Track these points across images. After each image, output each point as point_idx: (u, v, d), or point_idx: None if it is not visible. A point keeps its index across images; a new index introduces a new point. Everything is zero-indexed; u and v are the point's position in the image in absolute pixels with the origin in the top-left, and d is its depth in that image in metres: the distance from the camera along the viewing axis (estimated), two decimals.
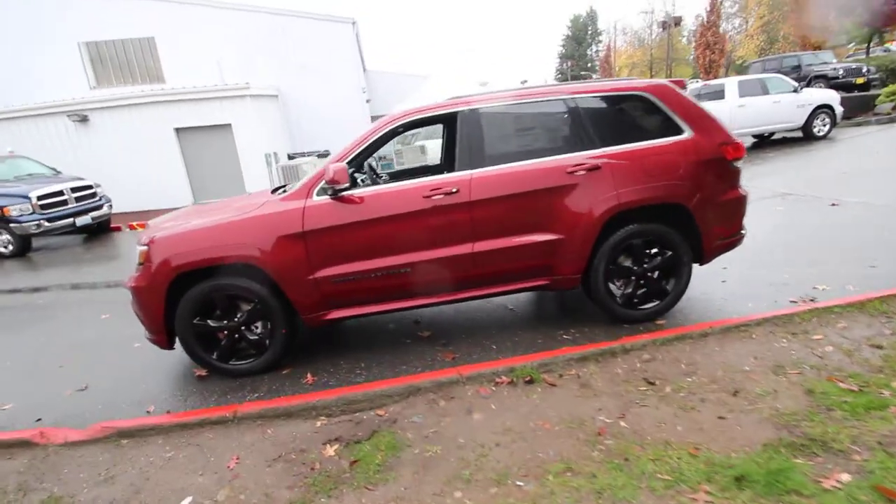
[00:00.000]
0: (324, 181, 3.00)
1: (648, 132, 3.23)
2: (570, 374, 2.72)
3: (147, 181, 13.00)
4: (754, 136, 12.53)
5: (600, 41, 57.12)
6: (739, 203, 3.37)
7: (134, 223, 10.72)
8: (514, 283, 3.26)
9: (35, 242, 9.46)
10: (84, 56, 15.48)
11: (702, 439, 2.09)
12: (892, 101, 13.68)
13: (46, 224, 8.87)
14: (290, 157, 14.17)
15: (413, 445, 2.27)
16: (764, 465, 1.85)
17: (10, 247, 8.85)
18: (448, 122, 3.69)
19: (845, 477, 1.78)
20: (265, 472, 2.20)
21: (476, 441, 2.25)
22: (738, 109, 11.33)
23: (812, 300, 3.47)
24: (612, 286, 3.33)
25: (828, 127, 12.07)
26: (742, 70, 30.33)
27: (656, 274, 3.33)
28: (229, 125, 13.14)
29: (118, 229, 10.70)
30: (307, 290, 3.07)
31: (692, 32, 44.38)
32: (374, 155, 3.53)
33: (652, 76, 39.00)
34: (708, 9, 29.45)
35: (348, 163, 3.10)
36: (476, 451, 2.18)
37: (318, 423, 2.52)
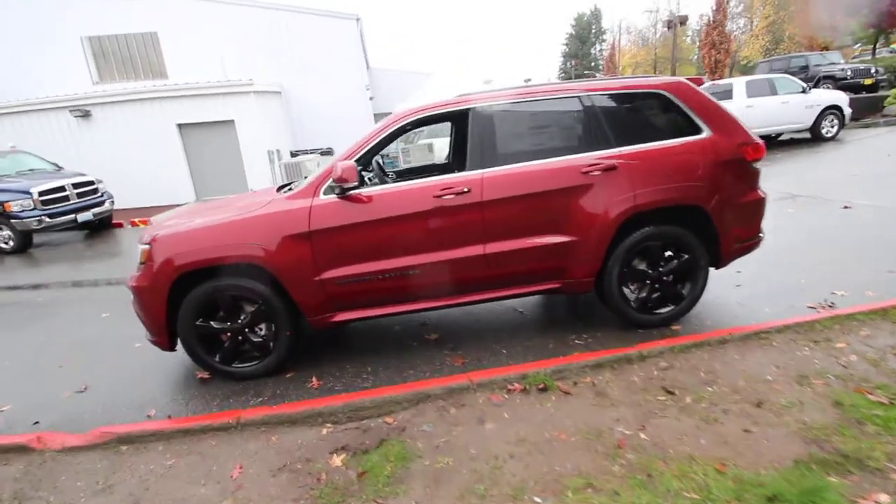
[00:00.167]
0: (331, 179, 2.90)
1: (666, 131, 3.13)
2: (585, 382, 2.62)
3: (149, 177, 12.92)
4: (761, 137, 12.40)
5: (604, 40, 56.88)
6: (759, 205, 3.27)
7: (136, 219, 10.64)
8: (525, 286, 3.17)
9: (36, 238, 9.39)
10: (87, 51, 15.39)
11: (728, 454, 1.99)
12: None
13: (47, 220, 8.79)
14: (293, 155, 14.11)
15: (423, 456, 2.18)
16: (796, 483, 1.75)
17: (11, 243, 8.78)
18: (458, 119, 3.58)
19: (884, 498, 1.68)
20: (269, 483, 2.11)
21: (489, 452, 2.16)
22: (746, 110, 11.20)
23: (831, 306, 3.37)
24: (626, 290, 3.24)
25: (836, 128, 11.95)
26: (747, 70, 30.16)
27: (671, 277, 3.24)
28: (232, 121, 13.05)
29: (120, 226, 10.63)
30: (313, 292, 2.98)
31: (696, 32, 44.18)
32: (378, 153, 3.43)
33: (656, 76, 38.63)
34: (714, 8, 29.24)
35: (356, 161, 3.00)
36: (490, 464, 2.09)
37: (325, 431, 2.43)
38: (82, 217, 9.32)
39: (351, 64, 15.72)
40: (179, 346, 3.11)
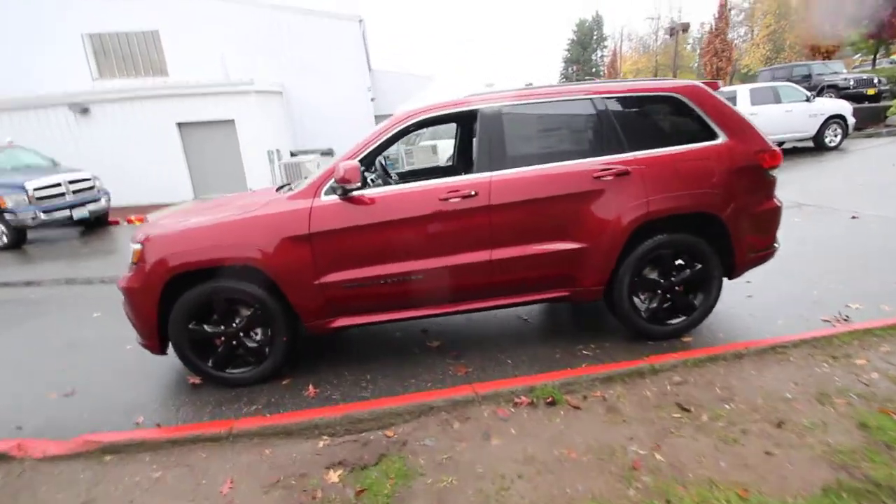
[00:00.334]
0: (333, 180, 2.79)
1: (680, 136, 3.03)
2: (596, 396, 2.51)
3: (147, 175, 12.79)
4: None
5: (605, 46, 56.98)
6: (775, 214, 3.17)
7: (132, 217, 10.50)
8: (532, 293, 3.06)
9: (30, 234, 9.23)
10: (87, 48, 15.27)
11: (750, 478, 1.88)
12: None
13: (42, 216, 8.64)
14: (293, 155, 14.00)
15: (426, 474, 2.05)
16: None
17: (5, 238, 8.63)
18: (465, 120, 3.49)
19: None
20: (262, 501, 1.99)
21: (496, 471, 2.04)
22: (750, 117, 11.12)
23: (846, 320, 3.27)
24: (636, 300, 3.12)
25: (839, 137, 11.91)
26: (747, 79, 30.16)
27: (683, 287, 3.12)
28: (232, 121, 12.94)
29: (116, 223, 10.48)
30: (312, 296, 2.86)
31: (697, 40, 44.30)
32: (382, 154, 3.32)
33: None
34: (716, 15, 29.30)
35: (359, 161, 2.89)
36: (496, 483, 1.97)
37: (321, 444, 2.31)
38: (78, 214, 9.18)
39: (352, 65, 15.64)
40: (171, 349, 2.98)
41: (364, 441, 2.31)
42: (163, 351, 2.99)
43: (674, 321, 3.17)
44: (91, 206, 9.50)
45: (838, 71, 17.56)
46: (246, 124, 12.95)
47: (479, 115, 2.96)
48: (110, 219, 10.42)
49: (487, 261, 2.90)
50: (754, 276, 3.96)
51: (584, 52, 57.08)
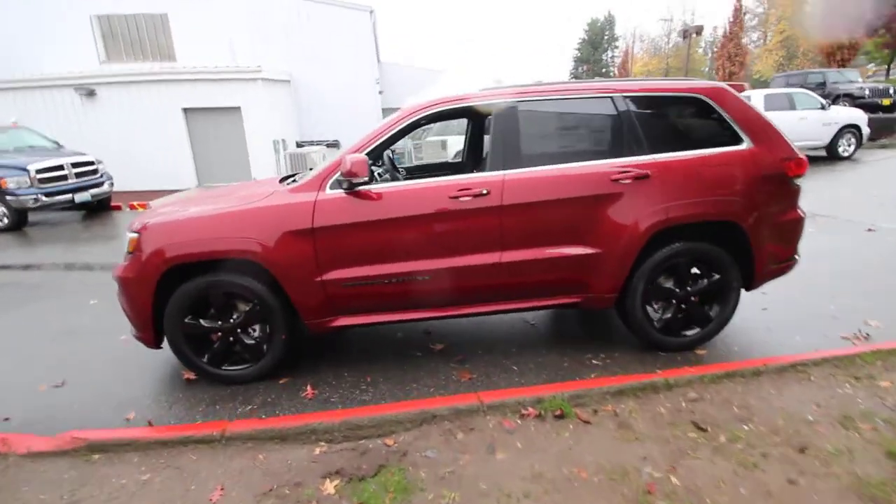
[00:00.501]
0: (339, 173, 2.67)
1: (703, 140, 2.89)
2: (607, 411, 2.39)
3: (152, 161, 12.68)
4: None
5: (616, 46, 56.51)
6: (797, 225, 3.04)
7: (135, 203, 10.42)
8: (542, 299, 2.94)
9: (31, 217, 9.16)
10: (96, 29, 15.13)
11: None
12: None
13: (44, 199, 8.55)
14: (299, 145, 13.87)
15: (427, 489, 1.94)
16: None
17: (6, 220, 8.55)
18: (477, 115, 3.35)
19: None
20: None
21: (501, 489, 1.93)
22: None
23: (866, 337, 3.15)
24: (649, 309, 3.00)
25: (853, 147, 11.71)
26: (758, 85, 29.80)
27: (698, 298, 3.00)
28: (238, 108, 12.80)
29: (118, 208, 10.39)
30: (313, 294, 2.75)
31: (709, 44, 43.84)
32: (390, 147, 3.19)
33: None
34: (731, 19, 28.94)
35: (366, 154, 2.76)
36: (501, 503, 1.86)
37: (318, 451, 2.20)
38: (80, 197, 9.08)
39: (362, 56, 15.47)
40: (166, 343, 2.88)
41: (363, 449, 2.20)
42: (157, 345, 2.89)
43: (688, 332, 3.04)
44: (93, 191, 9.41)
45: (854, 79, 17.27)
46: (252, 112, 12.82)
47: (494, 109, 2.83)
48: (113, 203, 10.33)
49: (497, 263, 2.78)
50: (769, 288, 3.80)
51: (594, 51, 56.65)
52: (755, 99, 11.57)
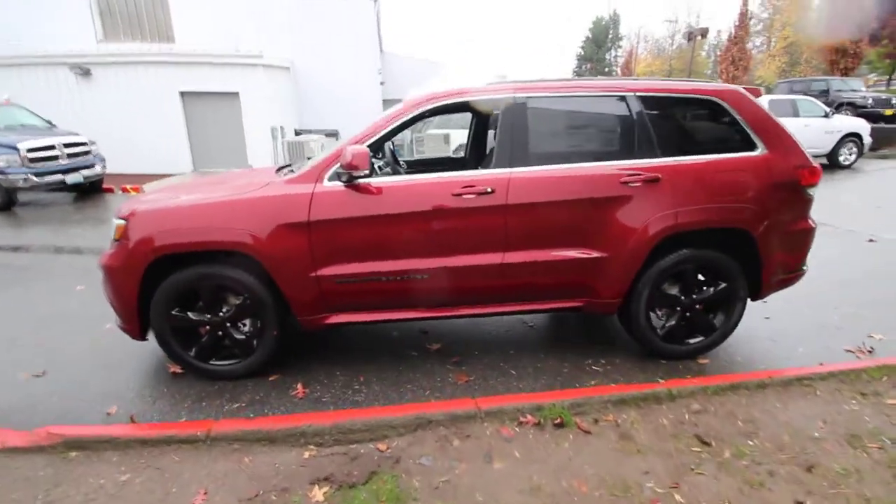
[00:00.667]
0: (339, 165, 2.56)
1: (716, 144, 2.81)
2: (608, 421, 2.31)
3: (146, 143, 12.44)
4: None
5: (620, 46, 56.26)
6: (808, 235, 2.97)
7: (128, 186, 10.21)
8: (543, 302, 2.85)
9: (21, 197, 8.96)
10: (93, 7, 14.81)
11: None
12: None
13: (34, 179, 8.34)
14: (297, 134, 13.67)
15: (420, 499, 1.86)
16: None
17: None
18: (484, 110, 3.24)
19: None
20: None
21: (497, 501, 1.84)
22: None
23: (870, 351, 3.09)
24: (652, 316, 2.92)
25: (854, 156, 11.70)
26: (766, 91, 29.75)
27: (703, 306, 2.92)
28: (237, 94, 12.58)
29: (111, 191, 10.19)
30: (307, 289, 2.64)
31: (712, 47, 43.71)
32: (391, 139, 3.08)
33: None
34: (737, 23, 28.83)
35: (368, 146, 2.65)
36: None
37: (307, 454, 2.11)
38: (71, 179, 8.88)
39: (364, 45, 15.21)
40: (152, 334, 2.77)
41: (354, 454, 2.11)
42: (143, 336, 2.78)
43: (691, 341, 2.97)
44: (85, 172, 9.20)
45: (857, 88, 17.25)
46: (251, 98, 12.59)
47: (503, 104, 2.72)
48: (105, 186, 10.12)
49: (499, 264, 2.68)
50: (771, 297, 3.76)
51: (598, 50, 56.35)
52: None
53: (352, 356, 3.13)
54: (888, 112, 15.26)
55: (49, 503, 1.86)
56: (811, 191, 2.89)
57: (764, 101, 11.67)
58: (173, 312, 2.65)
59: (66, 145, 8.97)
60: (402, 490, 1.90)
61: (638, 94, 2.73)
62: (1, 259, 5.79)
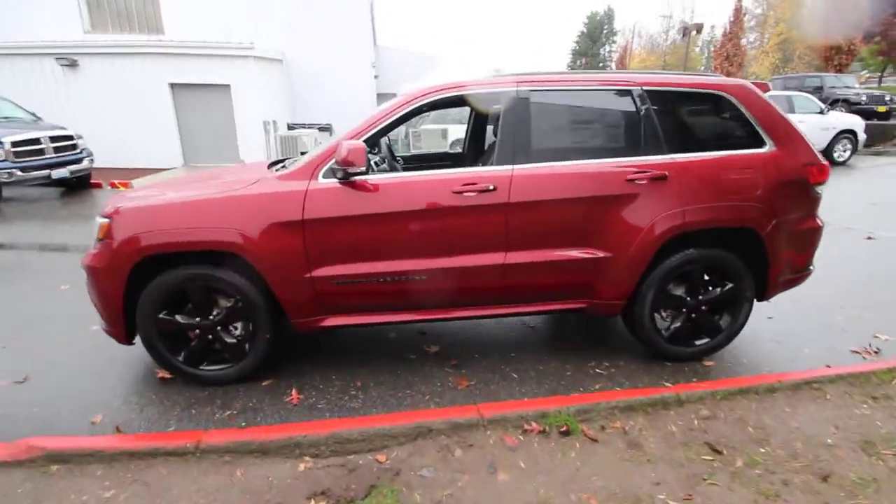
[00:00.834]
0: (334, 161, 2.45)
1: (724, 140, 2.72)
2: (615, 428, 2.23)
3: (135, 137, 12.19)
4: None
5: (614, 41, 56.16)
6: (815, 235, 2.90)
7: (116, 181, 9.99)
8: (545, 303, 2.77)
9: (5, 192, 8.71)
10: None
11: None
12: None
13: (19, 174, 8.12)
14: (290, 128, 13.46)
15: None
16: None
17: None
18: (484, 104, 3.13)
19: None
20: None
21: None
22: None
23: (877, 352, 3.04)
24: (657, 317, 2.85)
25: (848, 153, 11.73)
26: None
27: (709, 307, 2.85)
28: (228, 86, 12.33)
29: (98, 186, 9.96)
30: (301, 291, 2.53)
31: (706, 43, 43.73)
32: (387, 134, 2.97)
33: None
34: (732, 19, 28.81)
35: (364, 141, 2.54)
36: None
37: (302, 466, 2.01)
38: (57, 173, 8.65)
39: (358, 38, 14.96)
40: (139, 338, 2.65)
41: (352, 466, 2.01)
42: (129, 340, 2.66)
43: (697, 343, 2.90)
44: (72, 167, 8.97)
45: (851, 85, 17.29)
46: (242, 91, 12.36)
47: (505, 99, 2.62)
48: (92, 181, 9.89)
49: (501, 264, 2.59)
50: (776, 297, 3.71)
51: (593, 45, 56.24)
52: None
53: (347, 359, 3.02)
54: (881, 109, 15.31)
55: None
56: (819, 189, 2.82)
57: None
58: (161, 316, 2.53)
59: (52, 139, 8.74)
60: None
61: (645, 87, 2.64)
62: None
